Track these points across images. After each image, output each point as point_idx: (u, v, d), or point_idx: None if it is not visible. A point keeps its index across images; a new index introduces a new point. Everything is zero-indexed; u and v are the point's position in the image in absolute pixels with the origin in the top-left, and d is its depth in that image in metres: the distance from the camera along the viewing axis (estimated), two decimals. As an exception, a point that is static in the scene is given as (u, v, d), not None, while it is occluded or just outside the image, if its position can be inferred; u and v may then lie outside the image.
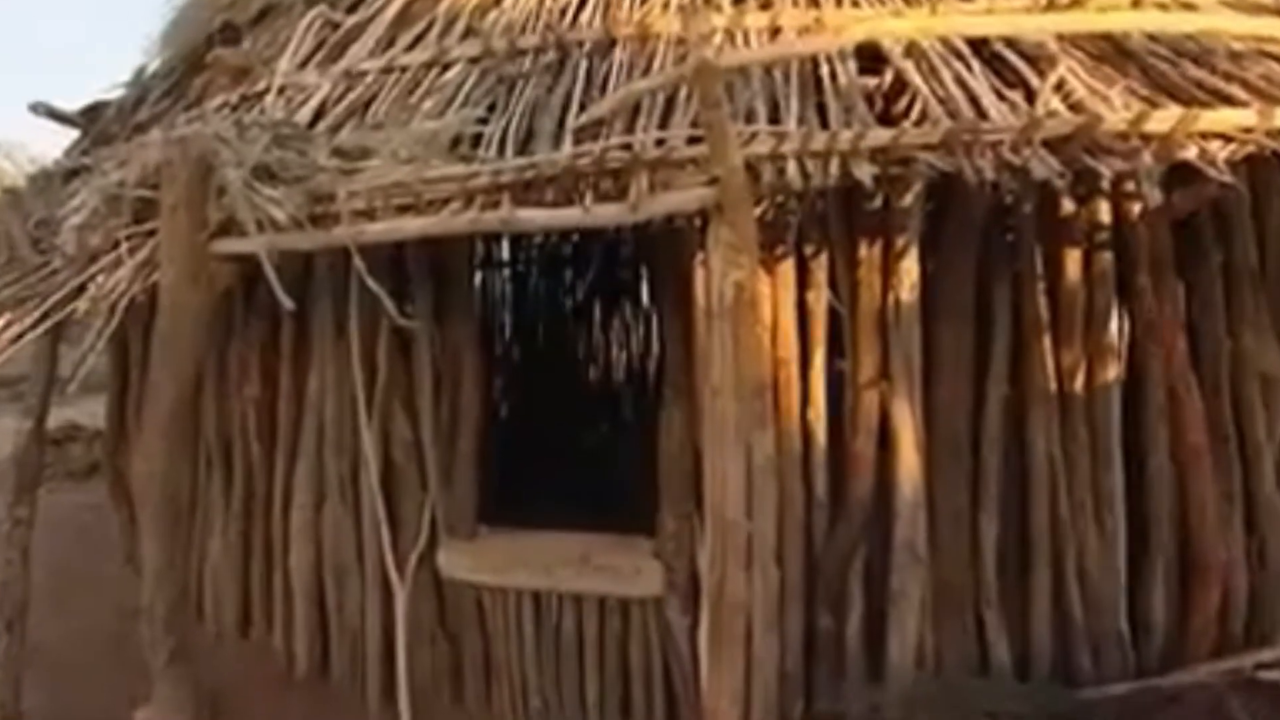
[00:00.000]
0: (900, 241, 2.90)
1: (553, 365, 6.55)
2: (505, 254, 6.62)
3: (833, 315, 3.03)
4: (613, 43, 3.16)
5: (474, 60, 3.27)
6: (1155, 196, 2.43)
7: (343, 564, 3.48)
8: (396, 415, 3.42)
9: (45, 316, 2.90)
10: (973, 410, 2.97)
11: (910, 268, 2.90)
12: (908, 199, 2.87)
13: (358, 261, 2.76)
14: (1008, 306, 2.98)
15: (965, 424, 2.96)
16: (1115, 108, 2.53)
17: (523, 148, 2.85)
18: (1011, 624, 2.96)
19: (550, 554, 3.34)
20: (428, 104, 3.15)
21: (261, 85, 3.51)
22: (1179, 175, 2.53)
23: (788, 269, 3.01)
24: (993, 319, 2.98)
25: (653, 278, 6.53)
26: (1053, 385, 2.95)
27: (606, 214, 2.59)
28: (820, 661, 2.99)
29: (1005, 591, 2.97)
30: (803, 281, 3.03)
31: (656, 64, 3.05)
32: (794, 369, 3.00)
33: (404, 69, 3.35)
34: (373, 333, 3.41)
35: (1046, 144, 2.42)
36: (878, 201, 2.91)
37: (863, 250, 2.96)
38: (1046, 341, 2.96)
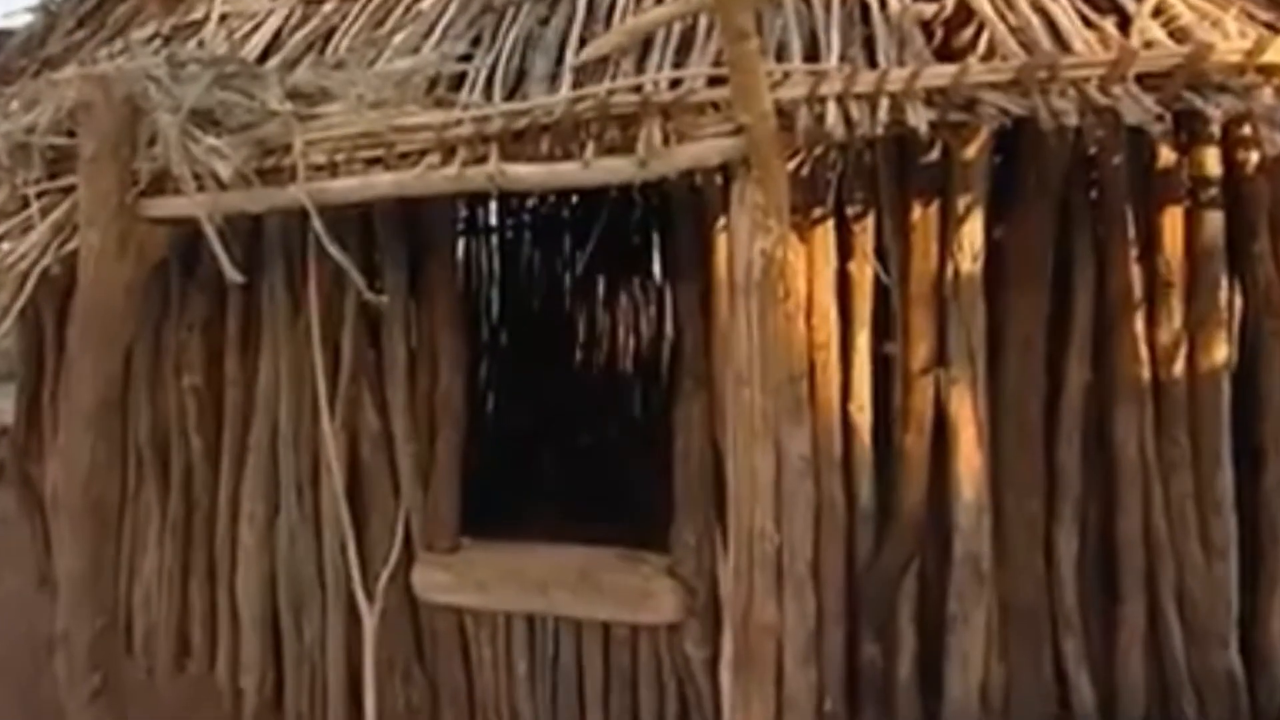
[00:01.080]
0: (962, 201, 2.91)
1: (549, 350, 6.60)
2: (493, 218, 6.68)
3: (880, 290, 3.05)
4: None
5: (455, -16, 3.31)
6: (1276, 143, 2.41)
7: (300, 584, 3.54)
8: (364, 408, 3.47)
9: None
10: (1048, 400, 2.99)
11: (974, 232, 2.92)
12: (972, 150, 2.88)
13: (317, 225, 2.80)
14: (1091, 277, 3.00)
15: (1038, 417, 2.98)
16: (1228, 35, 2.51)
17: (513, 91, 2.86)
18: (1096, 657, 2.99)
19: (545, 571, 3.38)
20: (399, 37, 3.17)
21: (200, 13, 3.54)
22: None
23: (826, 235, 3.03)
24: (1073, 292, 3.00)
25: (666, 247, 6.58)
26: (1146, 371, 2.96)
27: (612, 170, 2.62)
28: (865, 700, 3.03)
29: (1088, 618, 3.00)
30: (844, 250, 3.05)
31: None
32: (833, 353, 3.02)
33: (371, -6, 3.40)
34: (336, 311, 3.45)
35: (1142, 81, 2.41)
36: (935, 153, 2.92)
37: (917, 212, 2.98)
38: (1139, 318, 2.97)
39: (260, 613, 3.58)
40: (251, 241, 3.49)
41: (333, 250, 2.82)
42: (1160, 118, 2.38)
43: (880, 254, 3.04)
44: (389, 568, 3.44)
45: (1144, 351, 2.97)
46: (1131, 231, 2.98)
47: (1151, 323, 2.98)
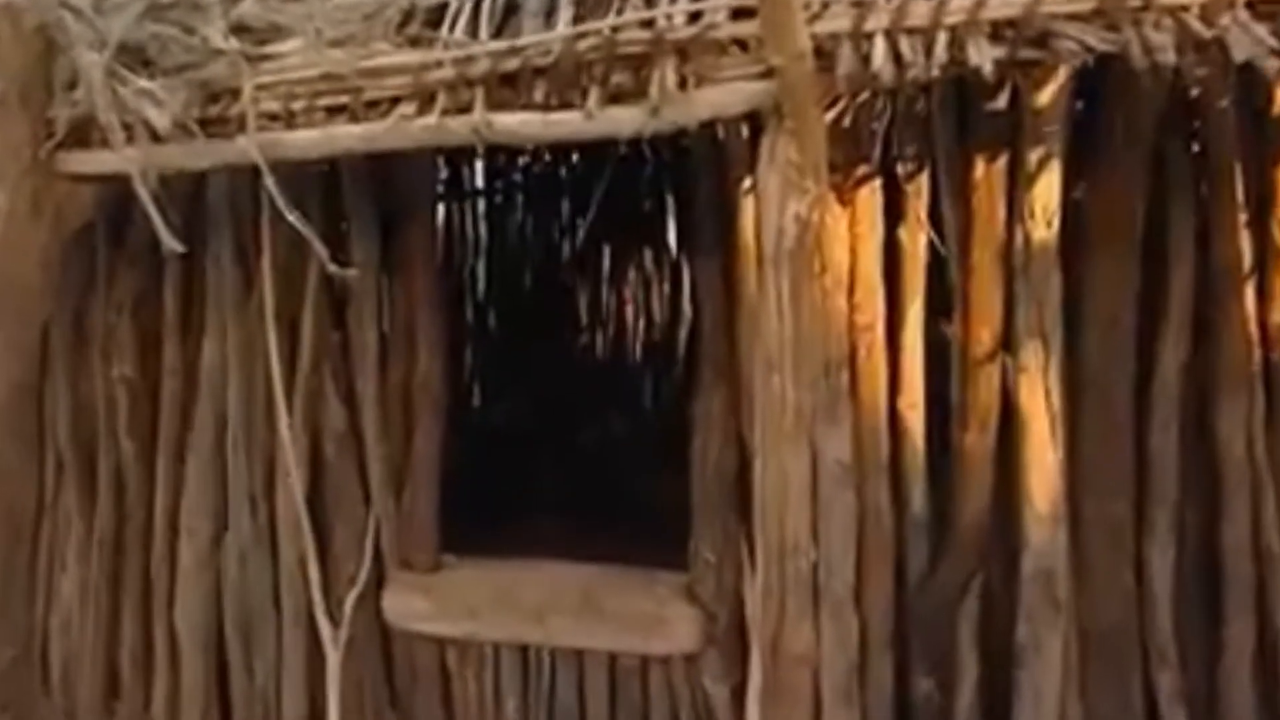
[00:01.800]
0: (1035, 155, 2.92)
1: (545, 334, 6.66)
2: (479, 179, 6.72)
3: (935, 261, 3.07)
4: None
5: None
6: None
7: (251, 609, 3.58)
8: (328, 401, 3.51)
9: None
10: (1137, 389, 3.00)
11: (1048, 192, 2.92)
12: (1047, 94, 2.88)
13: (271, 186, 2.84)
14: (1190, 244, 3.00)
15: (1126, 409, 2.99)
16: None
17: (501, 26, 2.86)
18: (1194, 691, 2.99)
19: (542, 594, 3.41)
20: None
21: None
22: None
23: (872, 197, 3.04)
24: (1168, 262, 3.01)
25: (683, 212, 6.59)
26: (1255, 354, 2.97)
27: (619, 121, 2.64)
28: (919, 743, 3.09)
29: (1186, 646, 3.01)
30: (893, 214, 3.07)
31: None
32: (879, 337, 3.04)
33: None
34: (294, 287, 3.49)
35: (1254, 8, 2.40)
36: (1003, 99, 2.93)
37: (980, 169, 2.99)
38: (1249, 293, 2.97)
39: (204, 643, 3.62)
40: (193, 204, 3.52)
41: (290, 215, 2.86)
42: (1276, 52, 2.37)
43: (936, 219, 3.05)
44: (357, 590, 3.48)
45: (1253, 331, 2.98)
46: (1240, 190, 2.98)
47: (1263, 298, 2.99)
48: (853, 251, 3.05)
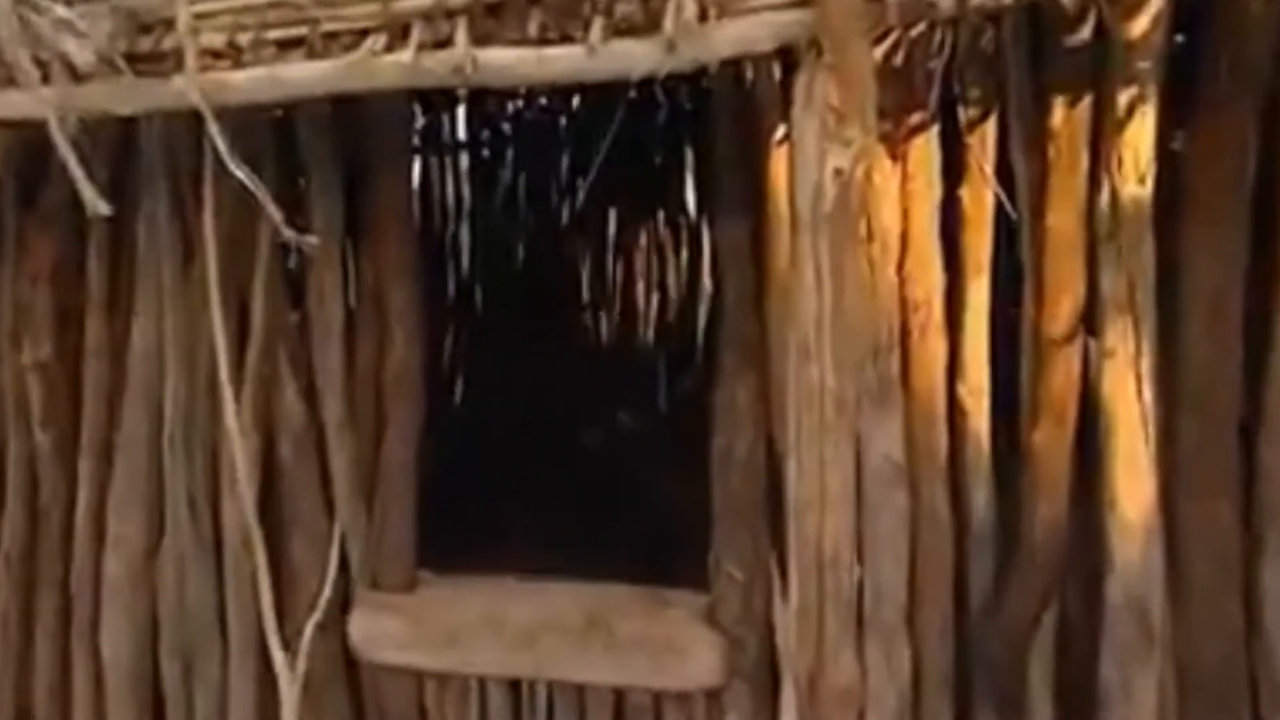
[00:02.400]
0: (1125, 98, 2.89)
1: (541, 313, 6.67)
2: (461, 127, 6.72)
3: (1004, 225, 3.06)
4: None
5: None
6: None
7: (192, 635, 3.58)
8: (284, 392, 3.51)
9: None
10: (1245, 378, 2.99)
11: (1141, 142, 2.89)
12: (1140, 24, 2.84)
13: (215, 136, 2.83)
14: (1312, 205, 2.97)
15: (1231, 403, 2.98)
16: None
17: None
18: None
19: (536, 618, 3.42)
20: None
21: None
22: None
23: (928, 149, 3.03)
24: (1284, 226, 2.99)
25: (703, 167, 6.63)
26: None
27: (627, 58, 2.61)
28: (983, 797, 3.08)
29: None
30: (954, 170, 3.06)
31: None
32: (936, 315, 3.04)
33: None
34: (243, 256, 3.48)
35: None
36: (1086, 30, 2.91)
37: (1058, 114, 2.96)
38: None
39: (134, 674, 3.63)
40: (122, 157, 3.52)
41: (237, 170, 2.85)
42: None
43: (1005, 175, 3.04)
44: (318, 613, 3.48)
45: (1386, 311, 2.96)
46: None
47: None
48: (905, 214, 3.04)
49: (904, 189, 3.03)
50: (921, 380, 3.04)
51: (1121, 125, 2.90)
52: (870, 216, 2.86)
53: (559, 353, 6.67)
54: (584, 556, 3.55)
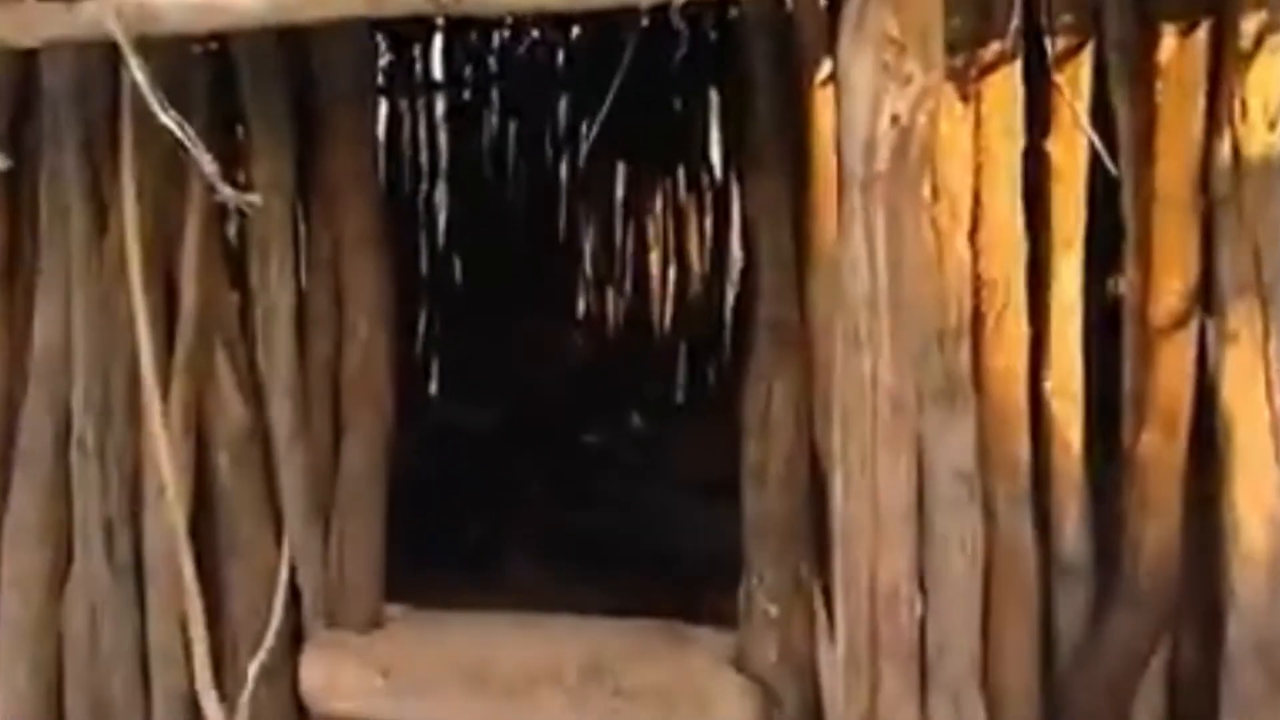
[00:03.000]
0: (1251, 25, 2.87)
1: (534, 292, 6.66)
2: (436, 65, 6.70)
3: (1101, 184, 3.05)
4: None
5: None
6: None
7: (108, 687, 3.57)
8: (221, 391, 3.51)
9: None
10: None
11: (1270, 80, 2.88)
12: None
13: (136, 74, 2.81)
14: None
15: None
16: None
17: None
18: None
19: (528, 661, 3.42)
20: None
21: None
22: None
23: (1008, 90, 3.02)
24: None
25: (731, 113, 6.62)
26: None
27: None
28: None
29: None
30: (1039, 116, 3.05)
31: None
32: (1016, 294, 3.03)
33: None
34: (170, 222, 3.47)
35: None
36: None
37: (1168, 47, 2.95)
38: None
39: (40, 728, 3.63)
40: (21, 100, 3.52)
41: (164, 117, 2.83)
42: None
43: (1103, 122, 3.03)
44: (261, 657, 3.47)
45: None
46: None
47: None
48: (979, 170, 3.02)
49: (977, 139, 3.02)
50: (998, 375, 3.04)
51: (1246, 60, 2.88)
52: (936, 173, 2.85)
53: (556, 340, 6.68)
54: (586, 587, 3.56)
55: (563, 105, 7.06)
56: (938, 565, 2.97)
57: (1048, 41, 3.03)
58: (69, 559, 3.60)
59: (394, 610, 3.57)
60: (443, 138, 6.83)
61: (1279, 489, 2.92)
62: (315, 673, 3.51)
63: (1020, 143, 3.04)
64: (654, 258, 7.30)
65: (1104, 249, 3.08)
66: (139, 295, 3.43)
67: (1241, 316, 2.93)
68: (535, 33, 6.80)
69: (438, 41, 6.51)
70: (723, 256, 7.05)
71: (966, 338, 3.01)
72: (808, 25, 3.02)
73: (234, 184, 3.08)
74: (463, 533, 4.47)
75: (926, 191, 2.73)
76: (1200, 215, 2.96)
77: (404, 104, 6.58)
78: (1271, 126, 2.88)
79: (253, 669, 3.47)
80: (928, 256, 2.78)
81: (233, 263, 3.55)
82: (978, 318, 3.03)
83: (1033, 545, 3.05)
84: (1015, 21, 2.95)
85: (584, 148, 7.04)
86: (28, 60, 3.34)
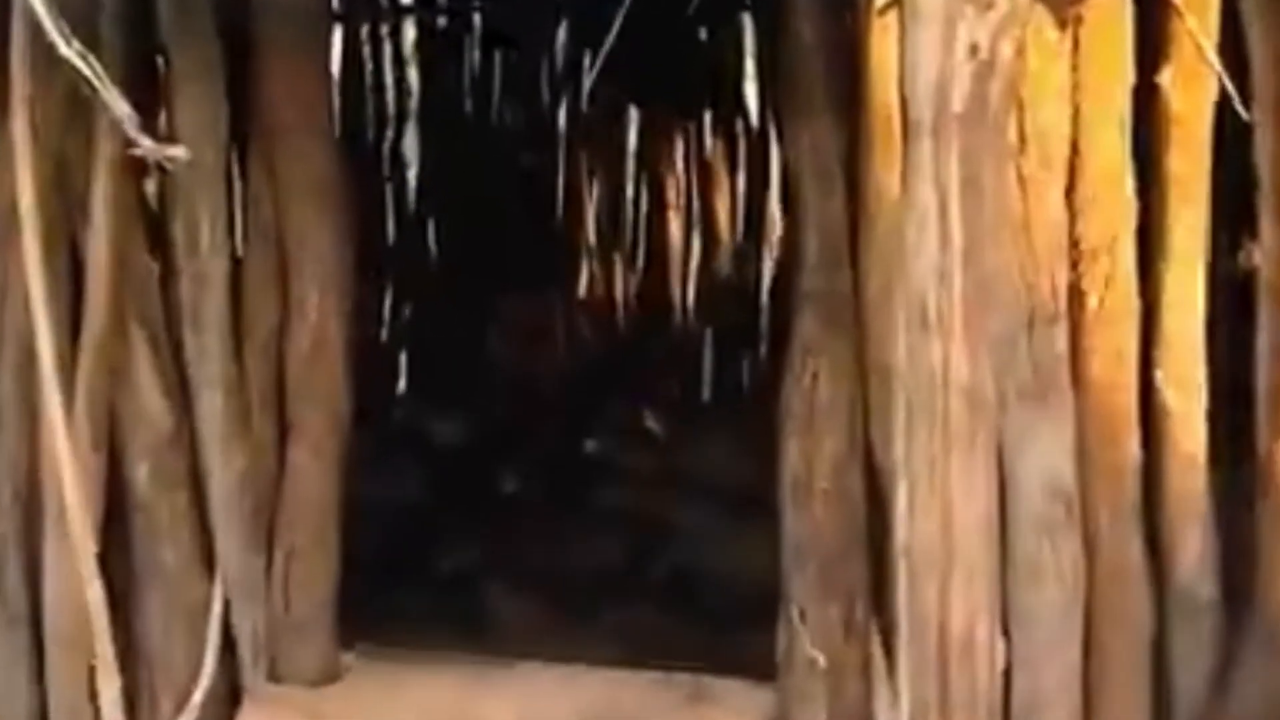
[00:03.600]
0: None
1: (525, 263, 6.66)
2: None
3: (1229, 132, 3.04)
4: None
5: None
6: None
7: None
8: (137, 387, 3.49)
9: None
10: None
11: None
12: None
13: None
14: None
15: None
16: None
17: None
18: None
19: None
20: None
21: None
22: None
23: (1112, 16, 3.01)
24: None
25: (769, 46, 6.63)
26: None
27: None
28: None
29: None
30: (1152, 48, 3.04)
31: None
32: (1124, 264, 3.03)
33: None
34: (73, 177, 3.46)
35: None
36: None
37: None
38: None
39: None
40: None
41: (66, 49, 2.83)
42: None
43: (1231, 55, 3.01)
44: (191, 716, 3.49)
45: None
46: None
47: None
48: (1078, 114, 3.01)
49: (1077, 76, 3.00)
50: (1101, 365, 3.03)
51: None
52: (1023, 116, 2.83)
53: (552, 324, 6.67)
54: (585, 628, 3.55)
55: (560, 33, 7.05)
56: (1026, 602, 2.95)
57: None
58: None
59: (351, 658, 3.59)
60: (413, 72, 6.83)
61: None
62: (256, 739, 3.53)
63: (1129, 80, 3.03)
64: (673, 222, 7.29)
65: (1232, 210, 3.05)
66: (35, 268, 3.38)
67: None
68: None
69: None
70: (758, 219, 7.04)
71: (1062, 320, 2.99)
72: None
73: (153, 131, 3.10)
74: (435, 561, 4.46)
75: (1012, 138, 2.72)
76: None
77: (364, 30, 6.56)
78: None
79: (177, 729, 3.49)
80: (1013, 219, 2.77)
81: (152, 227, 3.54)
82: (1076, 295, 3.01)
83: (1144, 575, 3.05)
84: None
85: (587, 85, 7.02)
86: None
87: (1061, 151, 3.00)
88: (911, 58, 2.60)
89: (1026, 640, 2.95)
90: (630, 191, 7.23)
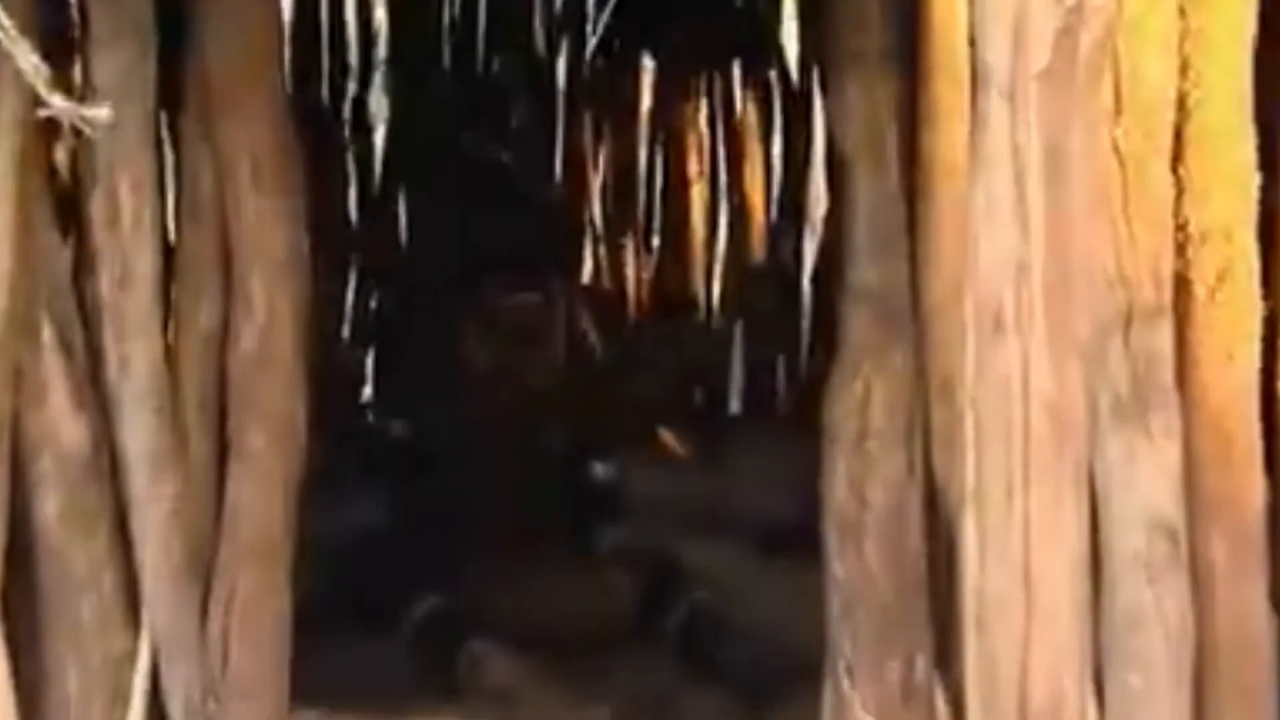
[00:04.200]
0: None
1: (514, 246, 6.67)
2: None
3: None
4: None
5: None
6: None
7: None
8: (47, 395, 3.49)
9: None
10: None
11: None
12: None
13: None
14: None
15: None
16: None
17: None
18: None
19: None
20: None
21: None
22: None
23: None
24: None
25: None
26: None
27: None
28: None
29: None
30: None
31: None
32: (1243, 250, 3.03)
33: None
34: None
35: None
36: None
37: None
38: None
39: None
40: None
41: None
42: None
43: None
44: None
45: None
46: None
47: None
48: (1185, 68, 3.00)
49: (1185, 24, 2.98)
50: (1213, 372, 3.03)
51: None
52: (1120, 73, 2.83)
53: (549, 319, 6.68)
54: (583, 689, 3.55)
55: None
56: (1124, 658, 2.93)
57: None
58: None
59: (307, 717, 3.60)
60: (380, 14, 6.85)
61: None
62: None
63: (1250, 28, 3.02)
64: (695, 198, 7.31)
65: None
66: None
67: None
68: None
69: None
70: (797, 196, 7.06)
71: (1166, 319, 2.97)
72: None
73: (67, 88, 3.11)
74: (405, 606, 4.46)
75: (1106, 100, 2.73)
76: None
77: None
78: None
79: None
80: (1108, 196, 2.77)
81: (66, 203, 3.56)
82: (1183, 288, 3.01)
83: (1268, 626, 3.04)
84: None
85: (593, 32, 7.05)
86: None
87: (1166, 117, 2.98)
88: (983, 1, 2.62)
89: (1124, 705, 2.92)
90: (643, 161, 7.24)
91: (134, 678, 3.53)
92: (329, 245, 5.84)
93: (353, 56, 6.88)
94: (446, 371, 6.23)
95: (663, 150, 7.28)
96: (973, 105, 2.66)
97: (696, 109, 7.26)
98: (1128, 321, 2.92)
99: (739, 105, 7.24)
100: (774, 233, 7.17)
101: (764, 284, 7.08)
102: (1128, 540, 2.94)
